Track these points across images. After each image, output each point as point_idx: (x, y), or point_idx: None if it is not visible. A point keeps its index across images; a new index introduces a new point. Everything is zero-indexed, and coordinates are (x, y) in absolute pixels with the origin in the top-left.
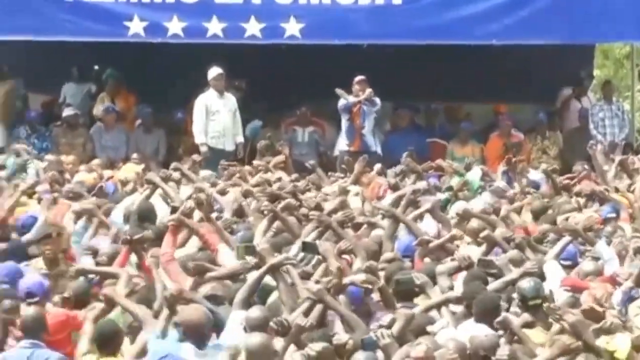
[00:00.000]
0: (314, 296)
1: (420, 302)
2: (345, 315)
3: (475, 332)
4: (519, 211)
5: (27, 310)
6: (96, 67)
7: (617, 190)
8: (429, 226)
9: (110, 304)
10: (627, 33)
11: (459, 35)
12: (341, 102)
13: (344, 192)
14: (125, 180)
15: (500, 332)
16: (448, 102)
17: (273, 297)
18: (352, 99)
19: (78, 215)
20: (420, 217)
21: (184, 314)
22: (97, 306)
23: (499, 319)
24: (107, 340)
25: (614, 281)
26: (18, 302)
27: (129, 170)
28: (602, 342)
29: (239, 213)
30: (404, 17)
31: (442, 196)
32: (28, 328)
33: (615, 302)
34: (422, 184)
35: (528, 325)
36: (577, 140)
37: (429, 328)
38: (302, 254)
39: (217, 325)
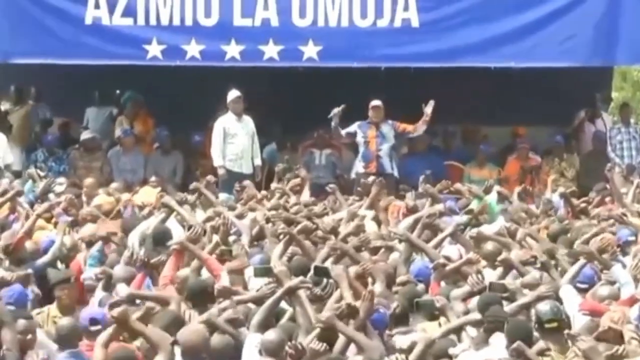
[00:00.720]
0: (323, 324)
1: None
2: (356, 338)
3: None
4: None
5: (61, 321)
6: (117, 91)
7: (639, 214)
8: (451, 251)
9: (122, 325)
10: None
11: (477, 57)
12: (352, 128)
13: (354, 217)
14: (142, 205)
15: None
16: (465, 124)
17: (285, 319)
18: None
19: (95, 240)
20: (441, 241)
21: (184, 335)
22: (108, 330)
23: (513, 346)
24: None
25: (633, 303)
26: (33, 323)
27: (147, 193)
28: None
29: (260, 236)
30: (422, 40)
31: (460, 219)
32: (64, 338)
33: (632, 317)
34: (438, 207)
35: (542, 352)
36: (592, 163)
37: (451, 351)
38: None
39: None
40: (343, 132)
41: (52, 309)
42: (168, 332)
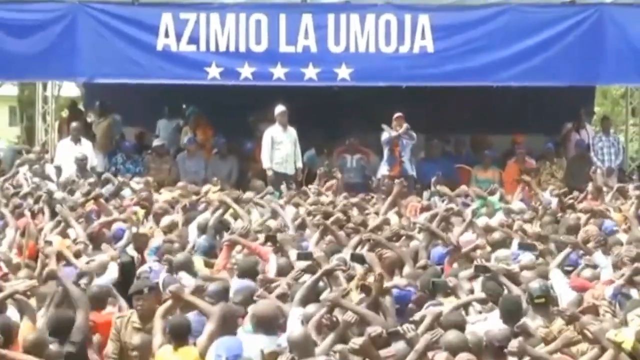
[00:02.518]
0: (331, 302)
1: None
2: (362, 313)
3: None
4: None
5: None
6: (183, 106)
7: (619, 210)
8: (467, 237)
9: (177, 300)
10: (621, 77)
11: (483, 77)
12: (384, 136)
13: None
14: (208, 200)
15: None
16: (473, 133)
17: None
18: (393, 132)
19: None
20: (466, 228)
21: (258, 308)
22: (166, 303)
23: (519, 323)
24: (179, 333)
25: (610, 284)
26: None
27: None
28: (611, 333)
29: (302, 226)
30: (437, 63)
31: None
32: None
33: (607, 295)
34: (453, 205)
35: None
36: (577, 166)
37: (468, 318)
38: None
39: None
40: (383, 138)
41: (134, 314)
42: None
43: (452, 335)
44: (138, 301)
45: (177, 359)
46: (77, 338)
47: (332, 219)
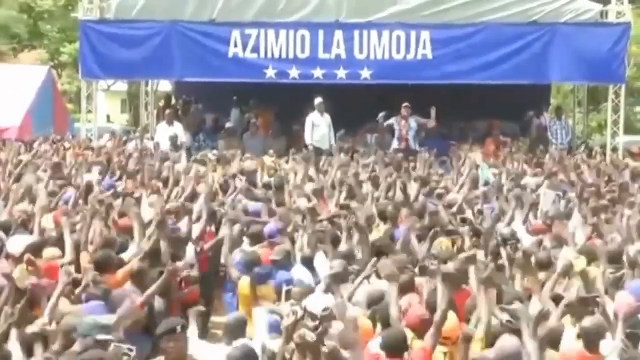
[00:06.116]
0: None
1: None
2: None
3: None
4: None
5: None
6: (235, 98)
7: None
8: None
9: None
10: (570, 76)
11: (469, 77)
12: (390, 121)
13: None
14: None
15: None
16: (463, 120)
17: None
18: (391, 121)
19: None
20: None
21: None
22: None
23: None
24: None
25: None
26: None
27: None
28: (571, 255)
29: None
30: (435, 66)
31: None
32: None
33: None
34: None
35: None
36: (537, 143)
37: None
38: None
39: None
40: (386, 124)
41: None
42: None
43: None
44: (169, 343)
45: None
46: (165, 261)
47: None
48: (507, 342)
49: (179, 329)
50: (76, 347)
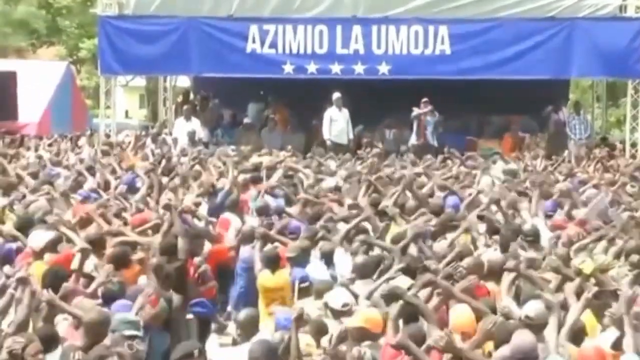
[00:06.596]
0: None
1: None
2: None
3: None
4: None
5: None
6: (261, 92)
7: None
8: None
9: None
10: (589, 71)
11: (486, 72)
12: (413, 114)
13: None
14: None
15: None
16: (480, 113)
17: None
18: (420, 111)
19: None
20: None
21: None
22: None
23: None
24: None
25: (582, 224)
26: None
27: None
28: (577, 261)
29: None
30: (452, 61)
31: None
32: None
33: None
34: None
35: None
36: (554, 138)
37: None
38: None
39: None
40: (413, 115)
41: None
42: None
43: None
44: None
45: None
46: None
47: (375, 176)
48: (523, 337)
49: (195, 352)
50: (106, 342)
